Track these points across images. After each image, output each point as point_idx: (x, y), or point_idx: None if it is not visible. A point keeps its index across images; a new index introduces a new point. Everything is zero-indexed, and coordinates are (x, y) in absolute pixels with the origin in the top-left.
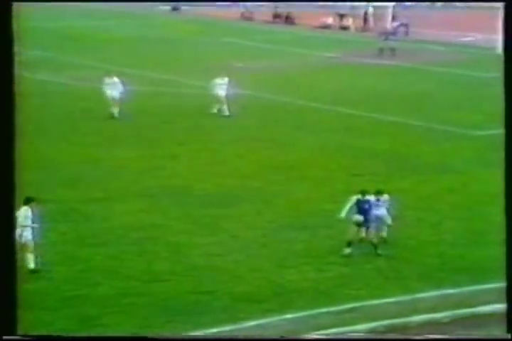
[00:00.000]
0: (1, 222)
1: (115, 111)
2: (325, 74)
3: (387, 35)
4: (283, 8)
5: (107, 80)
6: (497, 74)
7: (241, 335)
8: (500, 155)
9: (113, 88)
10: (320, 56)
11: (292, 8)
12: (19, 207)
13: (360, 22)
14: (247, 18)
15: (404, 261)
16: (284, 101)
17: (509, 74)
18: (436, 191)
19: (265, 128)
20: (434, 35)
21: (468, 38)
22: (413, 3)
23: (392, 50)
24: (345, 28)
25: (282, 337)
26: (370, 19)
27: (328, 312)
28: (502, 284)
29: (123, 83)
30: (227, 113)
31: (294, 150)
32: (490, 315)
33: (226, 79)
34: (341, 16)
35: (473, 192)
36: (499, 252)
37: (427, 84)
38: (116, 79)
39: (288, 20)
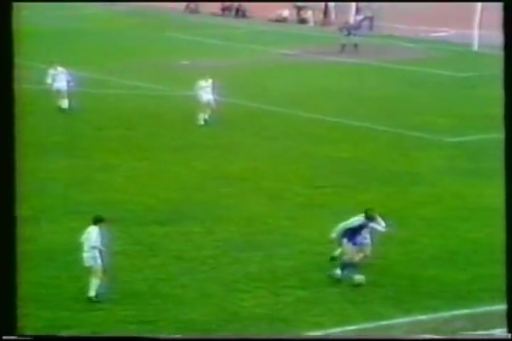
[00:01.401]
0: (1, 222)
1: (64, 103)
2: (281, 73)
3: (349, 29)
4: None
5: (52, 71)
6: (473, 73)
7: None
8: (478, 164)
9: (59, 79)
10: (275, 53)
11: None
12: None
13: (320, 15)
14: (192, 10)
15: (370, 284)
16: (235, 103)
17: (509, 74)
18: (406, 204)
19: (213, 134)
20: (402, 30)
21: (441, 33)
22: None
23: (356, 46)
24: (303, 22)
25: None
26: (332, 12)
27: None
28: (482, 309)
29: (69, 73)
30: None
31: (247, 159)
32: None
33: (210, 81)
34: (299, 8)
35: (448, 206)
36: (477, 273)
37: (394, 84)
38: (60, 69)
39: (239, 12)
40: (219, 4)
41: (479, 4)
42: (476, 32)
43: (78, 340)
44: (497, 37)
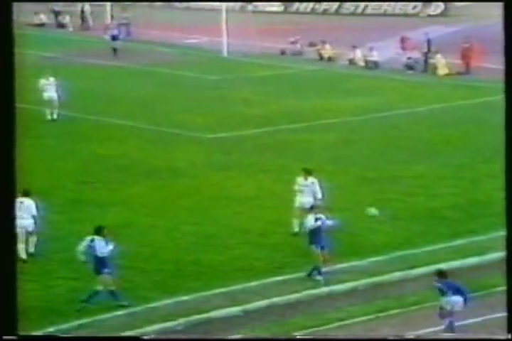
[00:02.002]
0: (1, 222)
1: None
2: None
3: (113, 35)
4: None
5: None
6: (223, 76)
7: None
8: (232, 158)
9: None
10: (38, 55)
11: None
12: None
13: (78, 20)
14: None
15: (138, 270)
16: None
17: (509, 74)
18: (169, 196)
19: None
20: (157, 36)
21: (193, 39)
22: (131, 3)
23: (115, 50)
24: (62, 26)
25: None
26: (89, 17)
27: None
28: (238, 287)
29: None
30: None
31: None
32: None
33: (52, 79)
34: (56, 13)
35: (206, 197)
36: (232, 255)
37: (152, 86)
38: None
39: None
40: None
41: (224, 14)
42: (224, 40)
43: (78, 340)
44: (242, 45)
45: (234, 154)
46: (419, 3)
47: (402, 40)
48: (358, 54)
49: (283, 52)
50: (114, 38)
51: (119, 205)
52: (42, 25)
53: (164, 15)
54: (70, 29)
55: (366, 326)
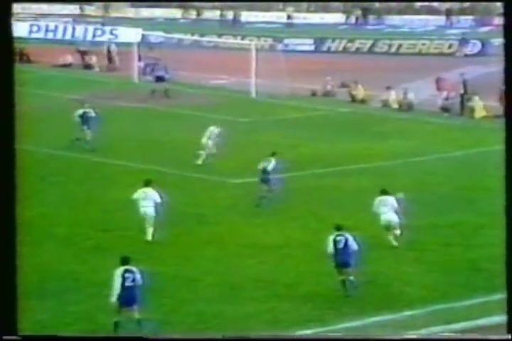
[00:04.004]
0: (1, 223)
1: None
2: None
3: (158, 75)
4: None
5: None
6: (251, 118)
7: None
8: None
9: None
10: (64, 98)
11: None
12: None
13: (105, 60)
14: None
15: (160, 322)
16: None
17: (509, 75)
18: (194, 244)
19: None
20: (184, 77)
21: (221, 80)
22: (159, 41)
23: (166, 91)
24: (89, 67)
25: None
26: (116, 57)
27: None
28: None
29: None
30: None
31: (37, 205)
32: None
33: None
34: (83, 53)
35: (231, 245)
36: (259, 308)
37: (180, 129)
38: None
39: (23, 57)
40: None
41: (254, 54)
42: (253, 80)
43: (78, 340)
44: (271, 86)
45: (261, 201)
46: (455, 42)
47: (438, 81)
48: (392, 95)
49: (314, 94)
50: (159, 78)
51: (141, 253)
52: (68, 65)
53: (192, 54)
54: (97, 69)
55: None
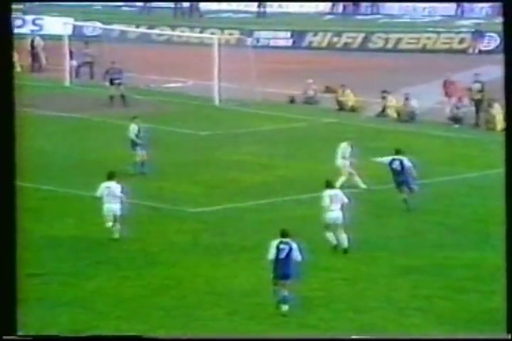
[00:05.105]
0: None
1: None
2: None
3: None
4: None
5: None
6: (216, 131)
7: None
8: (225, 239)
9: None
10: None
11: None
12: None
13: (28, 58)
14: None
15: None
16: None
17: (509, 75)
18: (142, 291)
19: None
20: (129, 78)
21: (175, 83)
22: (96, 33)
23: (123, 97)
24: None
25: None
26: (41, 54)
27: None
28: None
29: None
30: None
31: None
32: None
33: None
34: None
35: (189, 291)
36: None
37: (122, 144)
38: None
39: None
40: None
41: (216, 51)
42: (216, 83)
43: (78, 340)
44: (239, 91)
45: (227, 234)
46: (468, 36)
47: (446, 85)
48: (389, 102)
49: (292, 100)
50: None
51: (74, 305)
52: None
53: (138, 51)
54: (17, 69)
55: None
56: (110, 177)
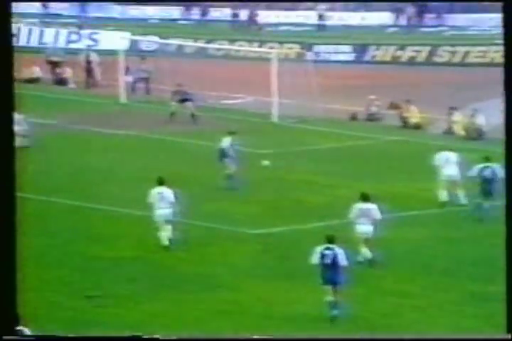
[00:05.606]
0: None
1: None
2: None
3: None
4: None
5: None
6: (276, 149)
7: None
8: (288, 263)
9: None
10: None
11: None
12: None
13: (83, 73)
14: None
15: None
16: None
17: (509, 75)
18: (202, 315)
19: None
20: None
21: (233, 100)
22: (153, 48)
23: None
24: (62, 82)
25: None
26: (96, 70)
27: None
28: None
29: None
30: None
31: None
32: None
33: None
34: (54, 65)
35: (251, 316)
36: None
37: (178, 162)
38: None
39: None
40: None
41: (275, 66)
42: (275, 100)
43: (78, 340)
44: (298, 107)
45: (289, 257)
46: None
47: None
48: (457, 119)
49: (354, 117)
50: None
51: (133, 328)
52: (35, 80)
53: (195, 66)
54: (72, 86)
55: None
56: (161, 182)
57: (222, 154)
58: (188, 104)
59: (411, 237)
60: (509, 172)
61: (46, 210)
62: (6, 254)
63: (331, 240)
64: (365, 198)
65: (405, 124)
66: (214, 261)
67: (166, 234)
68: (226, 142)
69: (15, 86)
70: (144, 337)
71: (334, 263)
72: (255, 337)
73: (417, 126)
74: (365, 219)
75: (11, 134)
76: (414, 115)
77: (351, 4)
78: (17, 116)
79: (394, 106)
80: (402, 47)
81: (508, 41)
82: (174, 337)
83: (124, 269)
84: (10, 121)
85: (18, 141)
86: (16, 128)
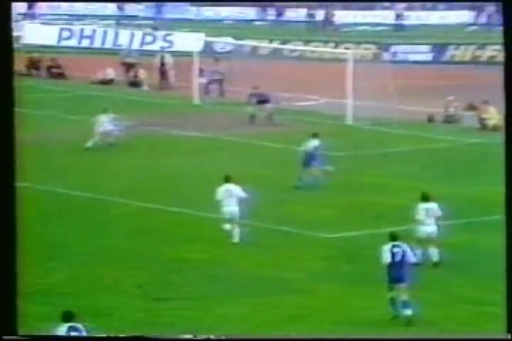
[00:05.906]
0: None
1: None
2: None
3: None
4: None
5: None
6: (352, 152)
7: None
8: (362, 266)
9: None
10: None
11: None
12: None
13: (157, 75)
14: None
15: None
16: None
17: (509, 75)
18: (277, 319)
19: None
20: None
21: (307, 101)
22: (227, 49)
23: (270, 116)
24: (136, 84)
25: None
26: (171, 71)
27: None
28: None
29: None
30: None
31: None
32: None
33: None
34: (128, 66)
35: (327, 320)
36: None
37: (254, 165)
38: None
39: (52, 71)
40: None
41: (351, 67)
42: (350, 101)
43: (78, 340)
44: (374, 109)
45: (363, 262)
46: None
47: None
48: None
49: (431, 119)
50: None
51: (207, 331)
52: (109, 82)
53: (270, 67)
54: (145, 88)
55: None
56: (227, 179)
57: (310, 157)
58: (267, 105)
59: (489, 243)
60: (509, 172)
61: (120, 212)
62: (6, 254)
63: (394, 238)
64: (425, 197)
65: (484, 126)
66: (288, 265)
67: (235, 231)
68: (312, 145)
69: (90, 87)
70: (144, 337)
71: (404, 260)
72: (257, 337)
73: (496, 128)
74: (429, 219)
75: (11, 133)
76: (492, 116)
77: (429, 3)
78: (105, 117)
79: (471, 107)
80: (482, 47)
81: (508, 41)
82: (174, 337)
83: (195, 271)
84: (10, 121)
85: (104, 140)
86: (107, 127)
